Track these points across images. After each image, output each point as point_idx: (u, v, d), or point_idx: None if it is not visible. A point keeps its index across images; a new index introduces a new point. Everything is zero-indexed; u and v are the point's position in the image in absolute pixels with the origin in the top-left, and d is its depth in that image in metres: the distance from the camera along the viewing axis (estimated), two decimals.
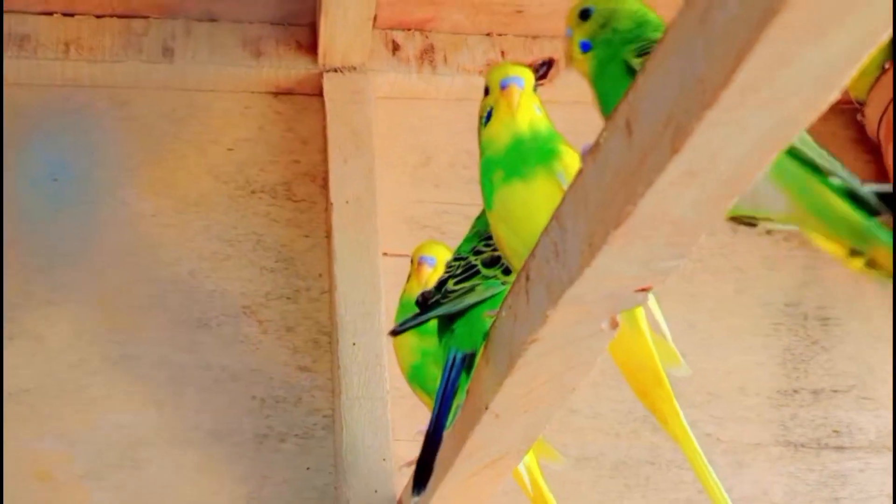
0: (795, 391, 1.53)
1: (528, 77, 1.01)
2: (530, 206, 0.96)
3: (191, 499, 1.35)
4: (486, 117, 1.02)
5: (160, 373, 1.42)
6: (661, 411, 1.04)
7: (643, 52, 0.94)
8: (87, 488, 1.34)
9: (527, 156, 0.98)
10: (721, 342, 1.55)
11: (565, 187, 0.95)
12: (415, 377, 1.26)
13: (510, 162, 0.98)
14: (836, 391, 1.54)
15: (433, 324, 1.15)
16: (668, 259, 0.71)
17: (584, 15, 0.98)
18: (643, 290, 0.76)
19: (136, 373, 1.41)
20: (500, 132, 1.00)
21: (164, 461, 1.37)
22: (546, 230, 0.78)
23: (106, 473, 1.35)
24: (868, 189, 0.89)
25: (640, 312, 1.03)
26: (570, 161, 0.97)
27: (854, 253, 0.88)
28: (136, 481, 1.35)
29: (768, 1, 0.49)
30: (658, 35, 0.94)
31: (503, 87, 1.00)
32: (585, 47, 0.97)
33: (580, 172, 0.71)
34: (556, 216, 0.76)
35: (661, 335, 1.04)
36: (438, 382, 1.14)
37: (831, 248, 0.89)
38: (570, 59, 0.99)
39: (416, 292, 1.15)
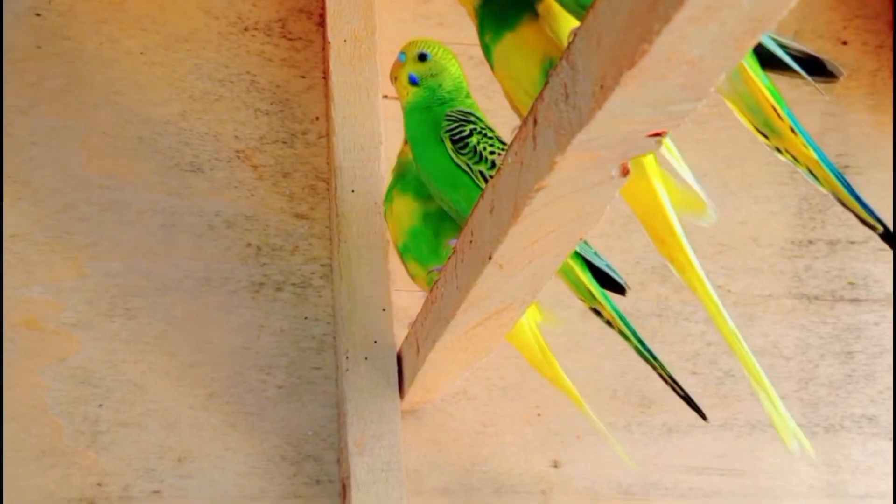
0: (811, 242, 1.52)
1: None
2: (524, 54, 1.00)
3: (184, 348, 1.36)
4: None
5: (150, 219, 1.41)
6: (678, 260, 1.06)
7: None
8: (77, 337, 1.35)
9: (507, 7, 1.02)
10: (734, 191, 1.54)
11: (550, 25, 0.98)
12: (411, 244, 1.27)
13: (495, 19, 1.03)
14: (852, 242, 1.53)
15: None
16: (684, 102, 0.70)
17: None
18: (656, 134, 0.75)
19: (126, 219, 1.40)
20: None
21: (155, 310, 1.37)
22: (556, 70, 0.76)
23: (96, 322, 1.36)
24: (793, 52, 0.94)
25: (648, 158, 1.03)
26: None
27: (760, 133, 0.95)
28: (127, 331, 1.35)
29: None
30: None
31: None
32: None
33: (593, 8, 0.69)
34: (567, 56, 0.74)
35: (683, 183, 1.05)
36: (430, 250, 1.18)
37: (747, 123, 0.96)
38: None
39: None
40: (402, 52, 1.23)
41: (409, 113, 1.20)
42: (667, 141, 1.06)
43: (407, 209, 1.26)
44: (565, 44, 1.00)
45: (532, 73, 1.00)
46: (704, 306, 1.08)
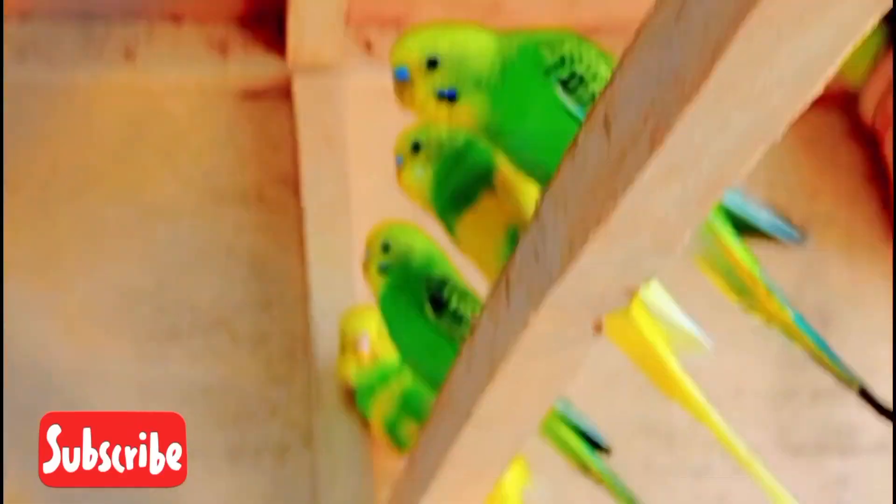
0: (794, 393, 1.54)
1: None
2: (487, 227, 1.03)
3: None
4: None
5: (127, 388, 1.42)
6: (678, 395, 1.07)
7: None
8: None
9: (461, 187, 1.06)
10: (716, 343, 1.56)
11: (508, 193, 1.02)
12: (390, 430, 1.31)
13: (451, 201, 1.06)
14: (836, 392, 1.55)
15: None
16: (653, 258, 0.72)
17: (432, 64, 0.97)
18: (628, 290, 0.77)
19: (103, 389, 1.42)
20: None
21: None
22: (526, 232, 0.80)
23: (74, 497, 1.36)
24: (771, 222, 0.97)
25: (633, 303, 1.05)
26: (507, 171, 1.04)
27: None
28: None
29: None
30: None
31: None
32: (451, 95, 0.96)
33: (559, 171, 0.73)
34: (536, 216, 0.77)
35: (670, 322, 1.07)
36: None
37: (720, 286, 0.98)
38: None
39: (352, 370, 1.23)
40: (367, 248, 1.24)
41: (383, 298, 1.21)
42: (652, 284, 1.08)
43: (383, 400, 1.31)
44: (525, 208, 1.03)
45: (497, 243, 1.03)
46: (716, 437, 1.09)
